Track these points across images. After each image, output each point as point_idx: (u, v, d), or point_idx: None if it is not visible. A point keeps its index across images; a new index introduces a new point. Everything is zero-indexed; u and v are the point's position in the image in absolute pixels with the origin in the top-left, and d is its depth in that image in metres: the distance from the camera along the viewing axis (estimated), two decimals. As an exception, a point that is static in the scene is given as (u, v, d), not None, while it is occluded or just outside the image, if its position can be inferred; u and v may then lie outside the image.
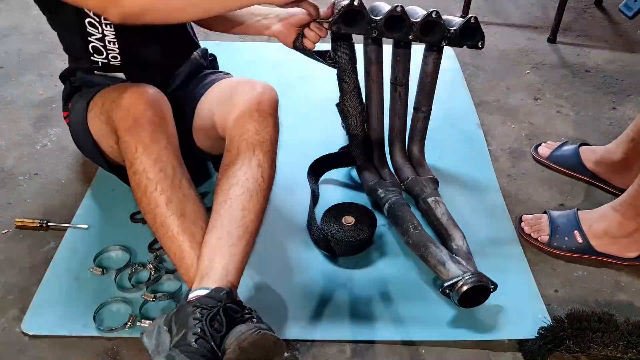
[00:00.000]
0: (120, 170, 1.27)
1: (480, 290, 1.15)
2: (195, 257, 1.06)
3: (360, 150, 1.45)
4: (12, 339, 1.13)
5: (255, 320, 0.98)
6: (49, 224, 1.36)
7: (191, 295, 1.00)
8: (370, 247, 1.34)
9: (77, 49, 1.30)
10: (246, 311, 1.00)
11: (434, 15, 1.30)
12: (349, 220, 1.34)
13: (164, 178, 1.09)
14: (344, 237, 1.30)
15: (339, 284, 1.25)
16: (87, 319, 1.15)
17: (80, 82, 1.36)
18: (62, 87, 1.43)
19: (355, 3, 1.25)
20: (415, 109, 1.48)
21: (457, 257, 1.22)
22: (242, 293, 1.21)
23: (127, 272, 1.25)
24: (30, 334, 1.13)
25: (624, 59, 2.18)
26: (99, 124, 1.23)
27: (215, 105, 1.28)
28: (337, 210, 1.38)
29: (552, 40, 2.28)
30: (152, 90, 1.17)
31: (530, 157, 1.66)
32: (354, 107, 1.40)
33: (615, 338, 1.07)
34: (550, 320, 1.15)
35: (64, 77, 1.41)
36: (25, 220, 1.37)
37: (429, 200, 1.38)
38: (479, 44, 1.36)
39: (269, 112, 1.18)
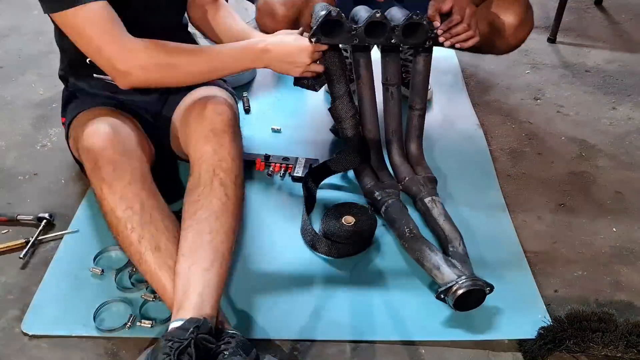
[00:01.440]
0: None
1: (476, 294, 1.15)
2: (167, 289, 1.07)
3: (356, 153, 1.44)
4: (12, 339, 1.13)
5: (228, 352, 0.93)
6: (38, 238, 1.32)
7: (169, 328, 0.98)
8: (370, 247, 1.34)
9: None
10: (225, 340, 0.96)
11: (415, 17, 1.29)
12: (349, 220, 1.34)
13: (132, 215, 1.09)
14: (343, 237, 1.30)
15: (339, 284, 1.25)
16: (87, 319, 1.15)
17: (73, 89, 1.37)
18: (62, 87, 1.43)
19: (333, 13, 1.24)
20: (410, 107, 1.48)
21: (452, 261, 1.21)
22: (242, 294, 1.22)
23: (127, 271, 1.25)
24: (30, 334, 1.13)
25: (624, 59, 2.18)
26: (73, 150, 1.32)
27: (177, 128, 1.32)
28: (337, 211, 1.38)
29: (552, 40, 2.28)
30: (108, 124, 1.16)
31: (530, 157, 1.66)
32: (346, 111, 1.39)
33: (615, 338, 1.07)
34: (550, 320, 1.15)
35: (62, 78, 1.41)
36: (7, 244, 1.31)
37: (426, 200, 1.38)
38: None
39: (223, 129, 1.18)
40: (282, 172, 1.54)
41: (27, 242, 1.31)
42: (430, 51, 1.41)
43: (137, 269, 1.11)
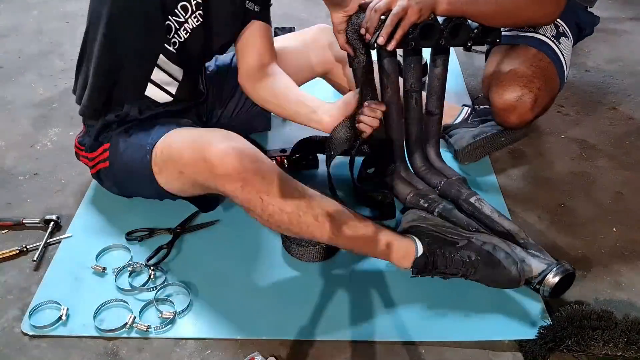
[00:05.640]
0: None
1: (568, 278, 1.16)
2: (374, 230, 1.18)
3: (384, 163, 1.42)
4: (12, 339, 1.13)
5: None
6: (27, 246, 1.31)
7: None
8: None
9: (136, 83, 1.29)
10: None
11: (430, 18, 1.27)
12: None
13: (298, 203, 1.12)
14: (309, 244, 1.28)
15: (339, 284, 1.25)
16: (87, 319, 1.15)
17: (124, 115, 1.30)
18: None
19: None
20: (429, 112, 1.46)
21: (531, 251, 1.22)
22: (242, 294, 1.22)
23: (127, 271, 1.25)
24: (30, 334, 1.13)
25: (624, 59, 2.18)
26: (177, 184, 1.23)
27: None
28: None
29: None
30: (224, 142, 1.13)
31: (530, 157, 1.66)
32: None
33: (615, 335, 1.07)
34: (550, 320, 1.15)
35: (91, 114, 1.34)
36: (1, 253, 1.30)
37: (471, 200, 1.36)
38: (497, 40, 1.33)
39: (233, 180, 1.12)
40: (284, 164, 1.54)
41: (21, 251, 1.30)
42: (448, 53, 1.40)
43: (328, 242, 1.17)
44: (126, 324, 1.14)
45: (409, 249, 1.20)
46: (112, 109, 1.31)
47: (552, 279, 1.15)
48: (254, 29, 1.37)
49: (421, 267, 1.19)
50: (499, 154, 1.66)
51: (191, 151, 1.16)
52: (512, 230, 1.28)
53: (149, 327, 1.14)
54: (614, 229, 1.42)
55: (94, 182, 1.48)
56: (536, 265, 1.18)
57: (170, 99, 1.34)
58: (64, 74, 1.98)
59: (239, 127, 1.32)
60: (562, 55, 1.57)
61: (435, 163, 1.49)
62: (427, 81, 1.45)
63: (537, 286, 1.18)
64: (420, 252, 1.20)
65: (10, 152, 1.62)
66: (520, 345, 1.13)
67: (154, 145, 1.23)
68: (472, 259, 1.19)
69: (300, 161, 1.55)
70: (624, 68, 2.12)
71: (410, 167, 1.49)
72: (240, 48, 1.39)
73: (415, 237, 1.22)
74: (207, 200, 1.34)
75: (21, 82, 1.93)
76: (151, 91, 1.31)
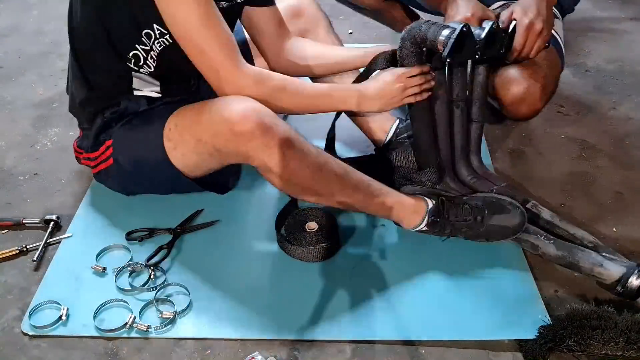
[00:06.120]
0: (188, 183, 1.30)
1: None
2: (385, 189, 1.25)
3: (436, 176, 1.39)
4: (12, 339, 1.13)
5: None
6: (27, 246, 1.31)
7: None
8: (370, 247, 1.34)
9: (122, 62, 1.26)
10: None
11: (494, 26, 1.27)
12: (311, 226, 1.33)
13: (317, 155, 1.18)
14: (309, 244, 1.29)
15: (339, 284, 1.25)
16: (87, 319, 1.15)
17: (123, 110, 1.30)
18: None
19: (465, 29, 1.21)
20: (472, 120, 1.43)
21: (605, 254, 1.22)
22: (242, 293, 1.22)
23: (127, 271, 1.25)
24: (30, 334, 1.13)
25: (624, 59, 2.18)
26: (194, 155, 1.22)
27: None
28: (299, 218, 1.36)
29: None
30: (243, 100, 1.16)
31: (530, 157, 1.66)
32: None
33: (615, 335, 1.07)
34: (550, 320, 1.15)
35: (90, 115, 1.33)
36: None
37: (528, 206, 1.34)
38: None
39: (255, 137, 1.14)
40: None
41: (21, 251, 1.30)
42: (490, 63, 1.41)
43: (354, 203, 1.24)
44: (126, 324, 1.14)
45: (420, 204, 1.26)
46: (109, 106, 1.31)
47: (636, 281, 1.17)
48: (261, 14, 1.38)
49: (435, 213, 1.25)
50: (499, 154, 1.66)
51: (209, 114, 1.17)
52: (577, 235, 1.27)
53: (149, 327, 1.14)
54: (614, 229, 1.42)
55: (94, 182, 1.47)
56: (615, 269, 1.19)
57: (159, 95, 1.33)
58: (64, 74, 1.97)
59: None
60: (559, 36, 1.59)
61: (479, 170, 1.45)
62: (470, 89, 1.42)
63: (620, 289, 1.18)
64: (431, 205, 1.26)
65: (10, 152, 1.62)
66: (520, 345, 1.13)
67: (166, 121, 1.23)
68: (480, 204, 1.25)
69: None
70: (624, 68, 2.11)
71: (457, 178, 1.44)
72: (250, 28, 1.41)
73: (423, 196, 1.29)
74: (220, 184, 1.36)
75: (21, 82, 1.93)
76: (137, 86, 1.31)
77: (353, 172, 1.22)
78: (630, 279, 1.17)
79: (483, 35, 1.26)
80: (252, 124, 1.12)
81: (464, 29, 1.21)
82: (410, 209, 1.26)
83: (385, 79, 1.30)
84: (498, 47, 1.32)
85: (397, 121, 1.48)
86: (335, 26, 1.58)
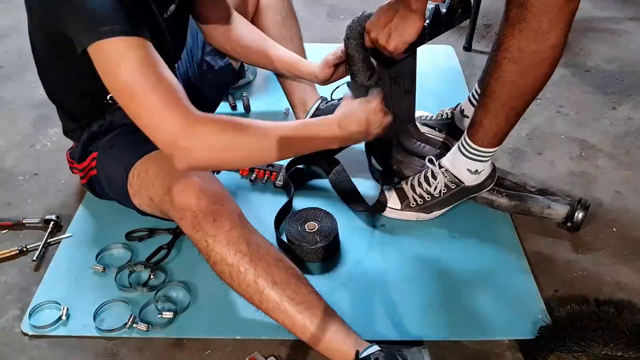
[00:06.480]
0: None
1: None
2: (305, 318, 1.05)
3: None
4: (12, 339, 1.13)
5: None
6: (27, 246, 1.31)
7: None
8: (370, 247, 1.34)
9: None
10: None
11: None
12: (311, 226, 1.33)
13: (241, 257, 1.05)
14: (309, 243, 1.29)
15: (339, 284, 1.25)
16: (87, 319, 1.15)
17: (109, 124, 1.30)
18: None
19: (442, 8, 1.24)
20: (406, 92, 1.45)
21: (549, 197, 1.35)
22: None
23: (127, 271, 1.25)
24: (30, 333, 1.13)
25: (624, 59, 2.18)
26: (149, 209, 1.23)
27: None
28: (299, 217, 1.36)
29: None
30: (199, 176, 1.10)
31: (530, 157, 1.66)
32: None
33: (616, 336, 1.07)
34: (550, 320, 1.15)
35: (72, 132, 1.35)
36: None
37: None
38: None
39: (185, 216, 1.09)
40: (265, 178, 1.52)
41: (21, 251, 1.30)
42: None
43: (259, 309, 1.07)
44: (126, 324, 1.14)
45: (346, 351, 1.05)
46: (94, 120, 1.30)
47: (580, 215, 1.33)
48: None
49: None
50: (499, 154, 1.66)
51: (161, 180, 1.13)
52: (522, 181, 1.39)
53: (149, 327, 1.14)
54: (614, 229, 1.42)
55: (94, 182, 1.48)
56: (561, 208, 1.33)
57: None
58: (64, 73, 1.98)
59: (211, 85, 1.50)
60: None
61: (418, 137, 1.52)
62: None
63: (570, 225, 1.34)
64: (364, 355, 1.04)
65: (10, 152, 1.62)
66: (520, 345, 1.13)
67: (133, 166, 1.20)
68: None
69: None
70: (624, 68, 2.11)
71: (402, 149, 1.49)
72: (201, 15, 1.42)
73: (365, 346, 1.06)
74: None
75: (21, 82, 1.93)
76: None
77: (287, 284, 1.06)
78: (576, 215, 1.33)
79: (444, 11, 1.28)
80: (186, 203, 1.07)
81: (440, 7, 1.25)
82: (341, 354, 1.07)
83: (363, 111, 1.17)
84: (460, 15, 1.32)
85: (319, 101, 1.53)
86: (335, 26, 1.58)
